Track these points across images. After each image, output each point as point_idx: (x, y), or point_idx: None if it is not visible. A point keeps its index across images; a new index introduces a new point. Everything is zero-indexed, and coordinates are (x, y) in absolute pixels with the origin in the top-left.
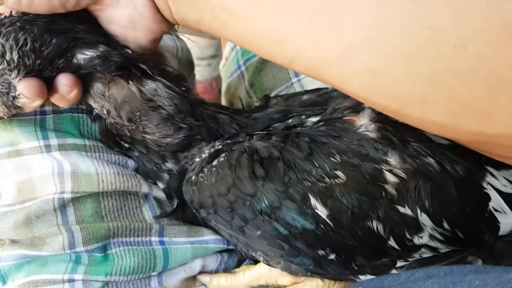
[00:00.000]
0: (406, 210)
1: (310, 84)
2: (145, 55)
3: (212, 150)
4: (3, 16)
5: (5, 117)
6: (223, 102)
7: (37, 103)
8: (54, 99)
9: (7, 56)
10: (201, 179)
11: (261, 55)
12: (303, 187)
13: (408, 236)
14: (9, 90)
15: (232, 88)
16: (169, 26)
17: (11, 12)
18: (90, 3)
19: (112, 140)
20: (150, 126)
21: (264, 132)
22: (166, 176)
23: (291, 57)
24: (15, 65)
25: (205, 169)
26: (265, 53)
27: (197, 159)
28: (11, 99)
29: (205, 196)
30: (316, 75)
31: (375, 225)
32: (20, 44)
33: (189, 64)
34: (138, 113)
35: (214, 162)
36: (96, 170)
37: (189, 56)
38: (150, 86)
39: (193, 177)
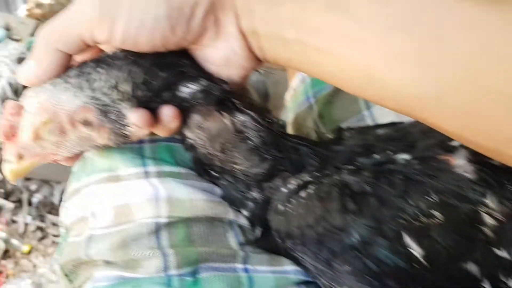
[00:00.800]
0: (502, 253)
1: (382, 116)
2: (235, 90)
3: (300, 181)
4: (117, 50)
5: (112, 145)
6: (290, 132)
7: (144, 132)
8: (156, 129)
9: (121, 87)
10: (289, 209)
11: (351, 91)
12: (397, 225)
13: (502, 278)
14: (120, 119)
15: (300, 119)
16: (259, 63)
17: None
18: (189, 43)
19: (203, 168)
20: (239, 157)
21: (353, 167)
22: (250, 204)
23: (383, 94)
24: (128, 96)
25: (293, 200)
26: (356, 90)
27: (284, 189)
28: (121, 127)
29: (292, 227)
30: (408, 112)
31: (471, 266)
32: (133, 77)
33: (265, 95)
34: (230, 144)
35: (303, 194)
36: (189, 196)
37: (266, 88)
38: (240, 118)
39: (281, 207)
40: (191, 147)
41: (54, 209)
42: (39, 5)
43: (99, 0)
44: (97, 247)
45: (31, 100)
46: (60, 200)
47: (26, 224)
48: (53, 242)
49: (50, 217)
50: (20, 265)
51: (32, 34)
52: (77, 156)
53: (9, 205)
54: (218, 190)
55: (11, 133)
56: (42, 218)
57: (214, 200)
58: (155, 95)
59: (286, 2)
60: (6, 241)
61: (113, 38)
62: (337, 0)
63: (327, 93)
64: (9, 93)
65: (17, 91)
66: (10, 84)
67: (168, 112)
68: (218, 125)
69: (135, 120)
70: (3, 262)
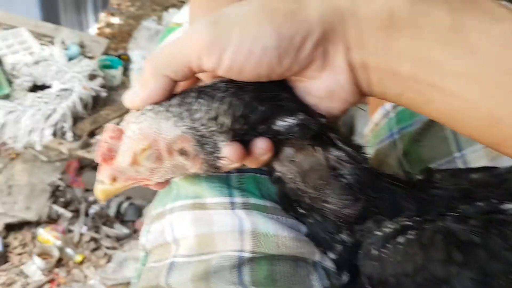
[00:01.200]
0: None
1: (474, 160)
2: (332, 124)
3: (397, 225)
4: (217, 81)
5: (202, 174)
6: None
7: (236, 165)
8: (247, 161)
9: (220, 120)
10: (384, 255)
11: (465, 132)
12: (507, 280)
13: None
14: (214, 151)
15: (381, 155)
16: (363, 98)
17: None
18: (293, 75)
19: (289, 204)
20: (330, 195)
21: (457, 214)
22: (339, 247)
23: (502, 138)
24: (226, 129)
25: (390, 245)
26: (470, 132)
27: (378, 233)
28: (214, 159)
29: (387, 274)
30: None
31: None
32: (233, 110)
33: (351, 130)
34: (322, 181)
35: (401, 239)
36: (275, 232)
37: (352, 121)
38: (335, 154)
39: (375, 252)
40: (278, 181)
41: (109, 221)
42: (109, 25)
43: (210, 28)
44: (178, 276)
45: (132, 126)
46: (116, 212)
47: (81, 234)
48: (105, 254)
49: (105, 229)
50: (71, 275)
51: (104, 52)
52: (167, 182)
53: (67, 214)
54: (303, 228)
55: (109, 156)
56: (97, 229)
57: (300, 239)
58: (251, 128)
59: (403, 35)
60: (61, 250)
61: (220, 66)
62: (457, 34)
63: (414, 130)
64: (79, 107)
65: (87, 105)
66: (81, 99)
67: (261, 145)
68: (310, 160)
69: (229, 154)
70: (56, 270)
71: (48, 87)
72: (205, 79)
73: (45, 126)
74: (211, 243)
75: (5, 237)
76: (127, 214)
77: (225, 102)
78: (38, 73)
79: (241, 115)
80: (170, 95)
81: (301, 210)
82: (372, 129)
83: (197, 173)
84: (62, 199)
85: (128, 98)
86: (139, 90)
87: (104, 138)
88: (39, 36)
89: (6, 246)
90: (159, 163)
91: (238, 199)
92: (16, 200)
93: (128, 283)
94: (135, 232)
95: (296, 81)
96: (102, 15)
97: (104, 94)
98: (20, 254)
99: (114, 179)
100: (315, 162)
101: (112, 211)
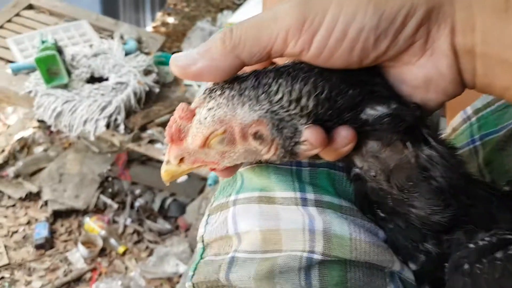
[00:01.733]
0: None
1: None
2: (426, 119)
3: (494, 238)
4: (297, 61)
5: (276, 161)
6: None
7: (315, 151)
8: (325, 151)
9: (302, 102)
10: (478, 271)
11: None
12: None
13: None
14: (293, 136)
15: None
16: (463, 90)
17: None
18: (387, 60)
19: (368, 206)
20: (418, 199)
21: None
22: (421, 257)
23: None
24: (308, 112)
25: (485, 261)
26: None
27: (471, 245)
28: (293, 144)
29: None
30: None
31: None
32: (317, 92)
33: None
34: (409, 182)
35: (499, 254)
36: (350, 235)
37: (438, 119)
38: (426, 153)
39: (467, 267)
40: (357, 178)
41: (152, 216)
42: (164, 24)
43: (301, 8)
44: (240, 272)
45: (204, 112)
46: (160, 207)
47: (125, 226)
48: (147, 248)
49: (148, 222)
50: (113, 265)
51: (160, 49)
52: (234, 169)
53: (113, 205)
54: (381, 234)
55: (178, 136)
56: (140, 223)
57: (378, 245)
58: (336, 114)
59: None
60: (105, 240)
61: (307, 50)
62: None
63: (499, 138)
64: (133, 101)
65: (140, 100)
66: (135, 93)
67: (345, 134)
68: (398, 157)
69: (310, 138)
70: (99, 259)
71: (105, 79)
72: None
73: (99, 117)
74: (277, 240)
75: (52, 224)
76: (170, 210)
77: (309, 83)
78: (96, 65)
79: (327, 98)
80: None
81: (381, 214)
82: (449, 134)
83: (270, 160)
84: (109, 190)
85: (182, 60)
86: (201, 60)
87: (174, 117)
88: (99, 29)
89: (53, 232)
90: (231, 147)
91: (310, 195)
92: (66, 188)
93: (168, 278)
94: (177, 228)
95: (389, 67)
96: (159, 14)
97: (157, 89)
98: (65, 241)
99: (181, 160)
100: (403, 159)
101: (156, 206)
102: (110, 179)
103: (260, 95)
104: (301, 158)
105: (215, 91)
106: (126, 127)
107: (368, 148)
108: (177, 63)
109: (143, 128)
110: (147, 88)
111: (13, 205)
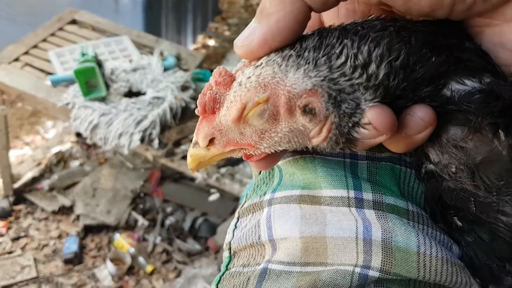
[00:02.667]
0: None
1: None
2: None
3: None
4: (369, 18)
5: (326, 148)
6: None
7: (379, 139)
8: (394, 138)
9: (371, 69)
10: None
11: None
12: None
13: None
14: (353, 113)
15: None
16: None
17: (379, 16)
18: (485, 11)
19: (441, 212)
20: (510, 204)
21: None
22: (509, 280)
23: None
24: (376, 82)
25: None
26: None
27: None
28: (350, 125)
29: None
30: None
31: None
32: (392, 56)
33: None
34: (501, 181)
35: None
36: (418, 248)
37: None
38: None
39: None
40: (430, 177)
41: (182, 235)
42: (205, 46)
43: None
44: (274, 287)
45: (249, 72)
46: (191, 227)
47: (155, 245)
48: (175, 268)
49: (178, 242)
50: (140, 284)
51: (199, 67)
52: (274, 159)
53: (144, 222)
54: (456, 249)
55: (211, 108)
56: (170, 241)
57: (454, 263)
58: (411, 88)
59: None
60: (133, 257)
61: None
62: None
63: None
64: (169, 116)
65: (176, 115)
66: (171, 108)
67: (421, 115)
68: (487, 148)
69: (375, 121)
70: (126, 277)
71: (143, 94)
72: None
73: (134, 131)
74: (321, 250)
75: (82, 238)
76: (201, 230)
77: (381, 44)
78: (135, 79)
79: (403, 65)
80: (300, 34)
81: (458, 222)
82: None
83: (319, 147)
84: (141, 207)
85: (241, 37)
86: (258, 25)
87: (209, 83)
88: (140, 46)
89: (82, 247)
90: (273, 124)
91: (368, 195)
92: (99, 202)
93: None
94: (206, 250)
95: (484, 25)
96: (200, 37)
97: (193, 106)
98: (94, 257)
99: (211, 142)
100: (493, 151)
101: (186, 225)
102: (142, 195)
103: (320, 58)
104: (359, 148)
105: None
106: (160, 142)
107: (450, 136)
108: (237, 43)
109: (177, 144)
110: (183, 104)
111: (46, 218)
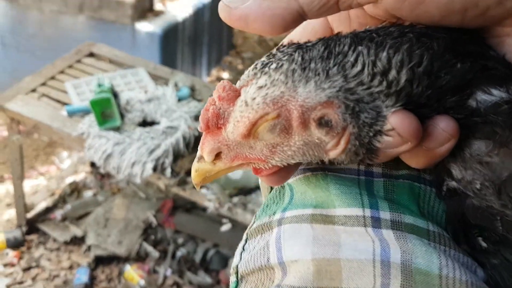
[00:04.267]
0: None
1: None
2: None
3: None
4: (384, 25)
5: (345, 161)
6: None
7: (403, 148)
8: (414, 151)
9: (391, 75)
10: None
11: None
12: None
13: None
14: (374, 122)
15: None
16: None
17: (393, 23)
18: (500, 19)
19: (463, 232)
20: None
21: None
22: None
23: None
24: (397, 89)
25: None
26: None
27: None
28: (371, 134)
29: None
30: None
31: None
32: (413, 62)
33: None
34: None
35: None
36: (440, 271)
37: None
38: None
39: None
40: (452, 195)
41: (193, 267)
42: (219, 79)
43: None
44: None
45: (254, 87)
46: (202, 259)
47: (165, 277)
48: None
49: (189, 274)
50: None
51: None
52: (286, 173)
53: (155, 253)
54: (480, 272)
55: (215, 123)
56: (181, 274)
57: (479, 286)
58: (435, 97)
59: None
60: None
61: None
62: None
63: None
64: (182, 145)
65: (189, 144)
66: (184, 138)
67: (444, 126)
68: None
69: (399, 126)
70: None
71: (157, 123)
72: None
73: (147, 159)
74: (336, 273)
75: (93, 269)
76: (212, 262)
77: (401, 50)
78: (149, 109)
79: (426, 71)
80: (278, 33)
81: (483, 243)
82: None
83: (337, 160)
84: (152, 237)
85: (226, 9)
86: (251, 5)
87: (212, 98)
88: (155, 77)
89: (93, 278)
90: (285, 138)
91: (385, 214)
92: (110, 233)
93: None
94: (218, 283)
95: (504, 35)
96: (214, 70)
97: None
98: None
99: (217, 156)
100: None
101: (198, 257)
102: (154, 225)
103: (332, 68)
104: (380, 159)
105: (269, 64)
106: (172, 171)
107: (474, 151)
108: (224, 1)
109: (189, 173)
110: (196, 133)
111: (57, 249)
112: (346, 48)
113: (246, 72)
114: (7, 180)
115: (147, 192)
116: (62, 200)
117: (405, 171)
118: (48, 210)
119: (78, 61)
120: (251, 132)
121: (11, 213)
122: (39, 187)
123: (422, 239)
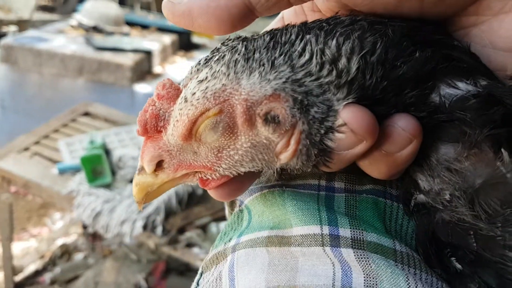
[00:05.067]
0: None
1: None
2: None
3: None
4: (336, 15)
5: (296, 165)
6: None
7: (359, 149)
8: (373, 157)
9: (341, 64)
10: None
11: None
12: None
13: None
14: (325, 117)
15: None
16: None
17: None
18: (464, 7)
19: (435, 252)
20: None
21: None
22: None
23: None
24: (348, 79)
25: None
26: None
27: None
28: (323, 131)
29: None
30: None
31: None
32: (365, 50)
33: None
34: (507, 209)
35: None
36: None
37: None
38: None
39: None
40: (421, 208)
41: None
42: None
43: None
44: None
45: (193, 87)
46: None
47: None
48: None
49: None
50: None
51: None
52: (236, 187)
53: None
54: None
55: (154, 126)
56: None
57: None
58: (393, 89)
59: None
60: None
61: None
62: None
63: None
64: (174, 202)
65: (181, 201)
66: (176, 194)
67: (403, 124)
68: (487, 170)
69: (351, 120)
70: None
71: None
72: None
73: (137, 217)
74: None
75: None
76: None
77: (351, 38)
78: None
79: (380, 59)
80: (225, 30)
81: (457, 264)
82: None
83: (289, 166)
84: None
85: (169, 6)
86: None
87: (151, 99)
88: None
89: None
90: (230, 140)
91: (344, 232)
92: None
93: None
94: None
95: (468, 25)
96: None
97: (200, 191)
98: None
99: (159, 167)
100: (495, 174)
101: None
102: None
103: (278, 57)
104: (337, 164)
105: (212, 58)
106: (164, 229)
107: (441, 156)
108: (164, 9)
109: (181, 231)
110: (190, 189)
111: None
112: (293, 37)
113: (189, 70)
114: None
115: (139, 253)
116: (52, 262)
117: (370, 186)
118: (37, 273)
119: (73, 120)
120: (192, 132)
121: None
122: (30, 249)
123: (388, 259)
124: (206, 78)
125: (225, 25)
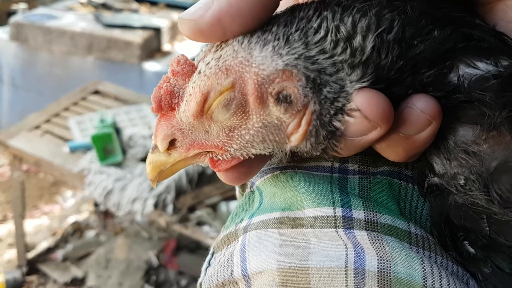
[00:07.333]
0: None
1: None
2: None
3: None
4: None
5: (307, 148)
6: None
7: (373, 135)
8: (389, 139)
9: (356, 42)
10: None
11: None
12: None
13: None
14: (337, 96)
15: None
16: None
17: None
18: None
19: (451, 235)
20: None
21: None
22: None
23: None
24: (362, 59)
25: None
26: None
27: None
28: (332, 112)
29: None
30: None
31: None
32: (382, 27)
33: None
34: None
35: None
36: (425, 281)
37: None
38: None
39: None
40: (436, 191)
41: None
42: None
43: None
44: None
45: (209, 57)
46: None
47: None
48: None
49: None
50: None
51: None
52: (248, 169)
53: None
54: (472, 283)
55: (169, 103)
56: None
57: None
58: (410, 68)
59: None
60: None
61: None
62: None
63: None
64: (184, 181)
65: (192, 180)
66: (187, 173)
67: (422, 105)
68: (503, 153)
69: (364, 105)
70: None
71: None
72: None
73: (149, 196)
74: (303, 284)
75: None
76: None
77: (368, 14)
78: None
79: (397, 38)
80: (264, 22)
81: (470, 248)
82: None
83: (299, 148)
84: (154, 278)
85: (189, 14)
86: (219, 4)
87: (166, 76)
88: None
89: None
90: (242, 119)
91: (358, 213)
92: (111, 274)
93: None
94: None
95: (492, 1)
96: None
97: (210, 171)
98: None
99: (172, 145)
100: (510, 157)
101: None
102: (156, 266)
103: (293, 33)
104: (346, 151)
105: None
106: (174, 207)
107: (459, 138)
108: (183, 17)
109: (192, 209)
110: (200, 169)
111: None
112: (311, 12)
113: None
114: (10, 219)
115: (150, 231)
116: (64, 240)
117: (385, 167)
118: (49, 250)
119: (83, 98)
120: (203, 109)
121: (12, 253)
122: (42, 227)
123: (402, 242)
124: (221, 45)
125: (262, 19)
